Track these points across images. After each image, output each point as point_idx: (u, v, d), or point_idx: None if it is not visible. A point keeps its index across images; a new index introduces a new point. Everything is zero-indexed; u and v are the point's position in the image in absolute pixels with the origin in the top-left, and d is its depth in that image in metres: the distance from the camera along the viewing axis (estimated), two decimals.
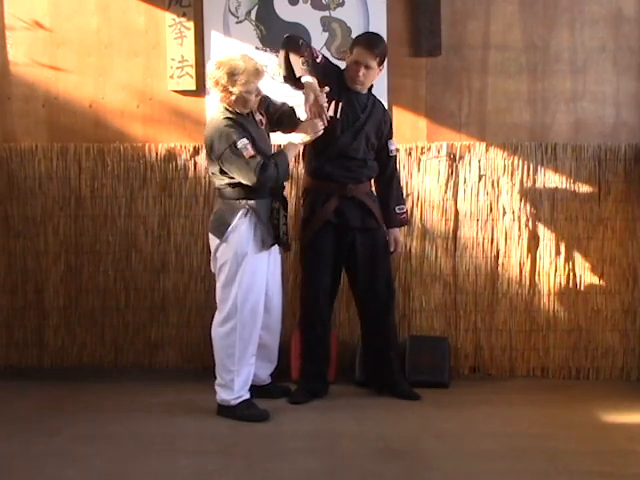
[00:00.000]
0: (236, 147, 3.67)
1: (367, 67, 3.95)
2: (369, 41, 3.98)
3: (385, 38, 4.20)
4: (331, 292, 4.12)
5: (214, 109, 3.91)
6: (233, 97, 3.72)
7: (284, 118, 3.99)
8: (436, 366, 4.37)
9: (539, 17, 4.55)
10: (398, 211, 4.18)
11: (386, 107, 4.27)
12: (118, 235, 4.65)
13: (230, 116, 3.75)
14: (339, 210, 4.02)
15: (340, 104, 3.98)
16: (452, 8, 4.54)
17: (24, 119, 4.64)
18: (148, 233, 4.65)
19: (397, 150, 4.24)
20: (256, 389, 3.96)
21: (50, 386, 4.37)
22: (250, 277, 3.78)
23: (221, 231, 3.80)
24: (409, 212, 4.55)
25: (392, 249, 4.20)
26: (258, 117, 3.88)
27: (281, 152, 3.85)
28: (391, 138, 4.18)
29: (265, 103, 3.95)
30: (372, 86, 4.10)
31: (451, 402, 4.12)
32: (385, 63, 4.08)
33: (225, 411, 3.84)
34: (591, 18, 4.54)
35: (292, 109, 4.01)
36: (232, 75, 3.67)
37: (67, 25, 4.60)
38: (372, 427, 3.75)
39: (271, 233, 3.82)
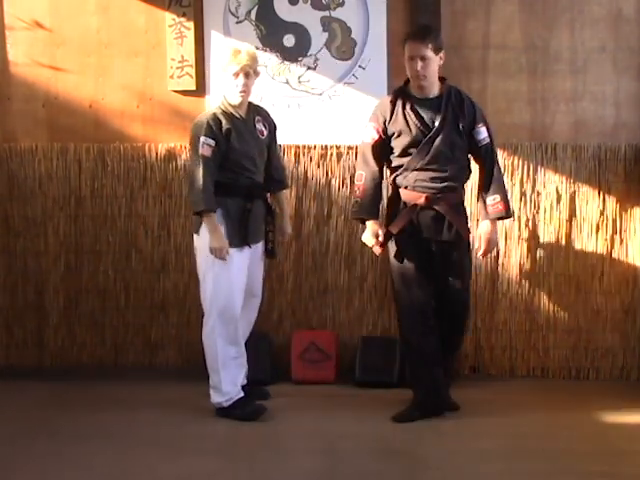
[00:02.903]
0: (198, 139, 3.73)
1: (422, 58, 3.71)
2: (415, 32, 3.85)
3: (385, 38, 4.19)
4: (425, 303, 3.86)
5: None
6: (226, 75, 3.77)
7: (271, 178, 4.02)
8: None
9: (539, 17, 4.54)
10: (490, 202, 3.86)
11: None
12: (118, 235, 4.65)
13: (216, 112, 3.80)
14: (420, 222, 3.82)
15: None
16: (452, 8, 4.53)
17: (24, 119, 4.64)
18: (148, 233, 4.65)
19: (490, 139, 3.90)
20: None
21: (50, 386, 4.37)
22: (220, 272, 3.76)
23: (197, 224, 3.82)
24: None
25: (476, 246, 3.96)
26: (260, 127, 3.90)
27: (210, 211, 3.74)
28: (475, 127, 3.85)
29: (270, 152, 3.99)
30: (444, 79, 3.86)
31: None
32: (442, 53, 3.78)
33: (221, 412, 3.84)
34: (591, 18, 4.53)
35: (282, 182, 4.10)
36: (228, 55, 3.76)
37: (67, 25, 4.60)
38: (372, 427, 3.75)
39: (239, 233, 3.79)
